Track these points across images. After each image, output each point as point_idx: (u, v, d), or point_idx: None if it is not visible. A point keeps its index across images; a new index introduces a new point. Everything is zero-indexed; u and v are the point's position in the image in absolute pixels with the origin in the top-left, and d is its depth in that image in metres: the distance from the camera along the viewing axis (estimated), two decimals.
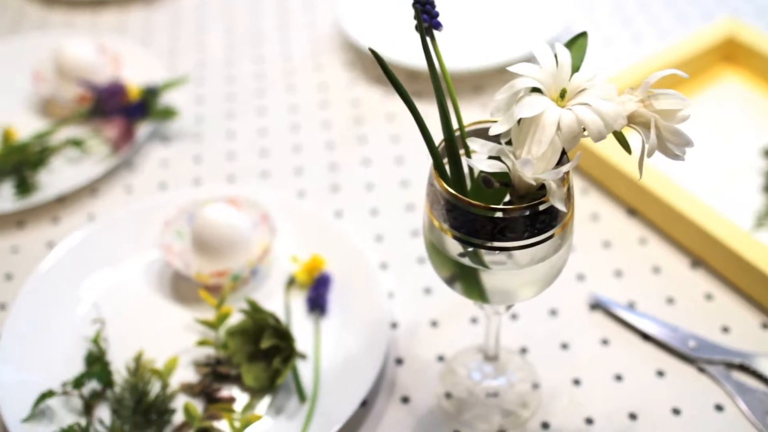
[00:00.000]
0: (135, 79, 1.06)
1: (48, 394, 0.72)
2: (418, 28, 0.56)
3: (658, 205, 0.86)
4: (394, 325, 0.80)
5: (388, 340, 0.76)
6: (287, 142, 1.00)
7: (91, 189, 0.96)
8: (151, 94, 1.00)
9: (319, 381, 0.74)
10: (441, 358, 0.77)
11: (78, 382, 0.73)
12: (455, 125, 0.59)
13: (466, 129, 0.59)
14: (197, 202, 0.86)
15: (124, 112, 0.99)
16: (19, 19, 1.23)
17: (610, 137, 0.55)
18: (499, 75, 1.06)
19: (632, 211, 0.90)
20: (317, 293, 0.81)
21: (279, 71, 1.11)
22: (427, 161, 0.96)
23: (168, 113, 1.00)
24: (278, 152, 0.99)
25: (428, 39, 0.57)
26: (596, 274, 0.84)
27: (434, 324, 0.80)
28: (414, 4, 0.56)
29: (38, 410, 0.72)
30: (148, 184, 0.96)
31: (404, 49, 1.06)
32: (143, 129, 0.99)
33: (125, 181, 0.97)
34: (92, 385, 0.75)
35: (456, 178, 0.58)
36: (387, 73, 0.55)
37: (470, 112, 0.99)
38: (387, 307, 0.78)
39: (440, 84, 0.57)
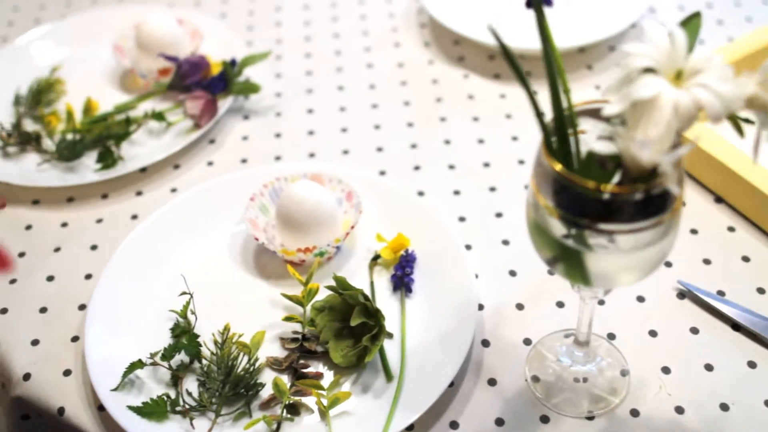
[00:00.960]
0: (213, 53, 1.06)
1: (137, 364, 0.73)
2: (534, 2, 0.55)
3: (746, 192, 0.84)
4: (480, 307, 0.79)
5: (476, 321, 0.75)
6: (367, 120, 1.00)
7: (173, 162, 0.96)
8: (231, 68, 1.00)
9: (406, 361, 0.74)
10: (527, 342, 0.76)
11: (167, 354, 0.74)
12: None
13: (577, 109, 0.58)
14: (282, 178, 0.86)
15: (205, 86, 1.00)
16: None
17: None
18: (586, 54, 1.04)
19: (720, 199, 0.88)
20: (403, 272, 0.80)
21: (357, 48, 1.10)
22: (508, 143, 0.95)
23: (250, 88, 1.00)
24: (358, 130, 0.99)
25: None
26: (684, 262, 0.82)
27: (520, 307, 0.79)
28: None
29: (127, 380, 0.73)
30: (229, 159, 0.96)
31: (482, 27, 1.05)
32: (223, 103, 0.99)
33: (207, 155, 0.97)
34: (180, 357, 0.75)
35: (564, 157, 0.57)
36: (505, 51, 0.54)
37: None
38: (474, 287, 0.77)
39: (552, 60, 0.56)
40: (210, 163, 0.96)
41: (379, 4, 1.17)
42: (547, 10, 0.57)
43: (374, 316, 0.73)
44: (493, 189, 0.91)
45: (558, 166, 0.55)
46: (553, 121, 0.57)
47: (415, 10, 1.16)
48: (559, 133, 0.57)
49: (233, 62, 1.01)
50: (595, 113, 0.56)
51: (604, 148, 0.53)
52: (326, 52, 1.10)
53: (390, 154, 0.95)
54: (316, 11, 1.17)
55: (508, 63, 0.54)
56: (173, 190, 0.93)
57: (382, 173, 0.93)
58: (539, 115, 0.56)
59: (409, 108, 1.01)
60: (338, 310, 0.75)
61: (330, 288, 0.75)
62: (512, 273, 0.82)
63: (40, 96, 1.04)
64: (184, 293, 0.79)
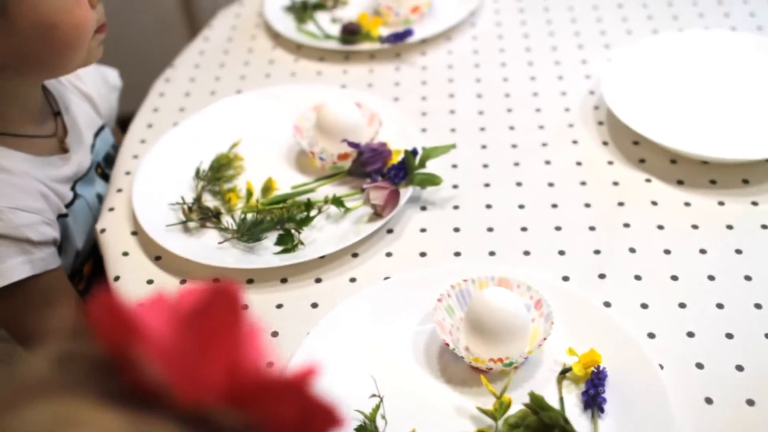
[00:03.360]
0: (388, 138, 1.06)
1: None
2: None
3: None
4: None
5: None
6: (547, 220, 0.98)
7: (351, 250, 0.96)
8: (413, 157, 1.00)
9: None
10: None
11: None
12: None
13: None
14: (470, 280, 0.85)
15: (385, 174, 0.99)
16: (268, 68, 1.26)
17: None
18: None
19: None
20: (596, 391, 0.77)
21: (533, 142, 1.09)
22: (696, 256, 0.92)
23: (431, 180, 1.00)
24: (538, 230, 0.97)
25: None
26: None
27: None
28: None
29: None
30: (407, 251, 0.95)
31: (666, 128, 1.02)
32: (403, 193, 0.99)
33: (385, 245, 0.96)
34: None
35: None
36: None
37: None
38: (673, 417, 0.74)
39: None
40: (389, 254, 0.95)
41: (554, 96, 1.16)
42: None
43: None
44: (682, 305, 0.87)
45: None
46: None
47: (591, 105, 1.14)
48: None
49: (414, 152, 1.00)
50: None
51: None
52: (502, 145, 1.09)
53: (573, 258, 0.93)
54: (490, 100, 1.16)
55: None
56: (352, 280, 0.93)
57: (566, 279, 0.91)
58: None
59: (590, 210, 0.99)
60: (534, 429, 0.73)
61: (527, 405, 0.73)
62: (708, 400, 0.79)
63: (220, 171, 1.05)
64: (374, 395, 0.78)
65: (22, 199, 0.93)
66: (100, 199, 1.08)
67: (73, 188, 1.02)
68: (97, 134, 1.11)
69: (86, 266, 1.08)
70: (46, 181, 0.97)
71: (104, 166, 1.12)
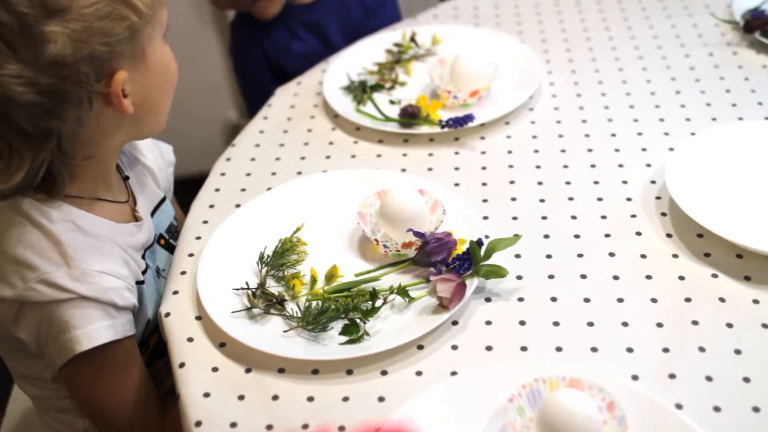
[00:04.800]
0: (452, 226, 1.06)
1: None
2: None
3: None
4: None
5: None
6: (613, 316, 0.97)
7: (417, 342, 0.95)
8: (478, 248, 1.00)
9: None
10: None
11: None
12: None
13: None
14: (540, 380, 0.84)
15: (450, 265, 1.00)
16: (328, 149, 1.27)
17: None
18: None
19: None
20: None
21: (596, 233, 1.09)
22: None
23: (497, 272, 0.99)
24: (605, 325, 0.96)
25: None
26: None
27: None
28: None
29: None
30: (473, 344, 0.95)
31: (731, 221, 1.02)
32: (468, 284, 0.98)
33: (450, 337, 0.96)
34: None
35: None
36: None
37: None
38: None
39: None
40: (454, 347, 0.95)
41: (615, 184, 1.16)
42: None
43: None
44: (756, 409, 0.86)
45: None
46: None
47: (653, 195, 1.14)
48: None
49: (480, 242, 1.00)
50: None
51: None
52: (565, 235, 1.09)
53: (641, 356, 0.92)
54: (551, 188, 1.16)
55: None
56: (418, 373, 0.92)
57: (635, 378, 0.90)
58: None
59: (656, 306, 0.98)
60: None
61: None
62: None
63: (284, 256, 1.06)
64: None
65: (108, 263, 0.95)
66: (158, 272, 1.09)
67: (143, 257, 1.04)
68: (158, 206, 1.12)
69: (153, 337, 1.09)
70: (125, 248, 1.00)
71: (168, 237, 1.13)
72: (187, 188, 1.40)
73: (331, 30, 1.73)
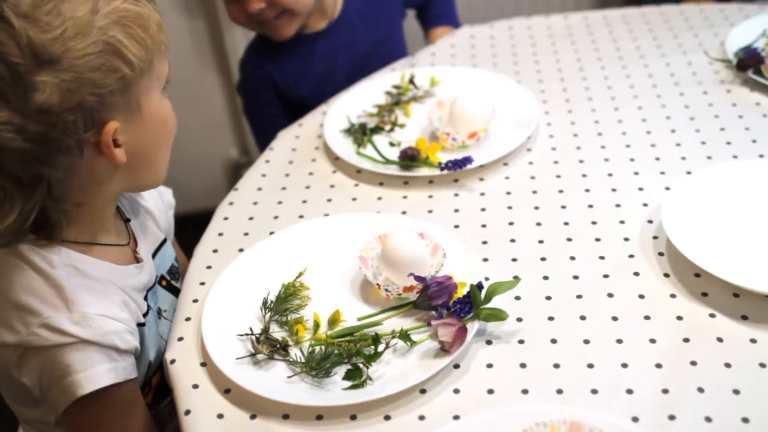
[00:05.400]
0: (453, 269, 1.07)
1: None
2: None
3: None
4: None
5: None
6: (613, 357, 0.98)
7: (419, 386, 0.96)
8: (478, 292, 1.01)
9: None
10: None
11: None
12: None
13: None
14: (542, 423, 0.85)
15: (451, 308, 1.01)
16: (329, 192, 1.29)
17: None
18: None
19: None
20: None
21: (595, 274, 1.10)
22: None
23: (497, 315, 1.01)
24: (605, 367, 0.97)
25: None
26: None
27: None
28: None
29: None
30: (475, 387, 0.96)
31: (727, 261, 1.04)
32: (469, 328, 1.00)
33: (452, 380, 0.97)
34: None
35: None
36: None
37: None
38: None
39: None
40: (456, 390, 0.96)
41: (612, 225, 1.18)
42: None
43: None
44: None
45: None
46: None
47: (650, 234, 1.15)
48: None
49: (480, 286, 1.02)
50: None
51: None
52: (564, 276, 1.10)
53: (641, 398, 0.93)
54: (550, 229, 1.18)
55: None
56: (421, 418, 0.94)
57: (635, 419, 0.91)
58: None
59: (655, 347, 0.99)
60: None
61: None
62: None
63: (287, 301, 1.07)
64: None
65: (109, 307, 0.97)
66: (160, 312, 1.11)
67: (145, 298, 1.05)
68: (159, 247, 1.14)
69: (155, 378, 1.10)
70: (126, 290, 1.01)
71: (169, 278, 1.15)
72: (190, 226, 1.42)
73: (340, 58, 1.74)
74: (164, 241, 1.16)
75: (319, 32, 1.72)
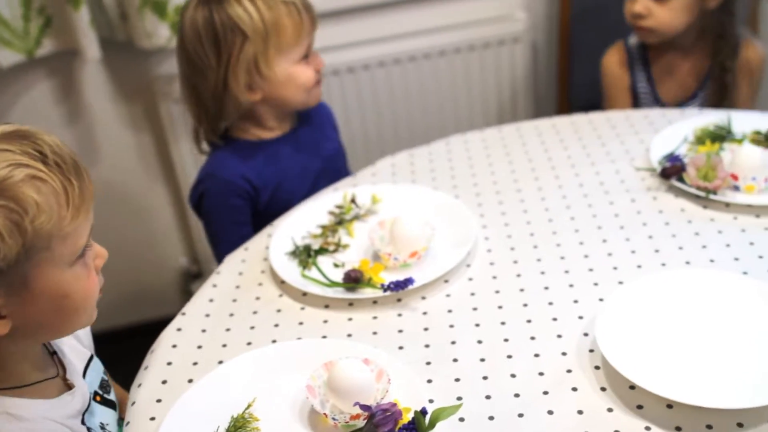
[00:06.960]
0: (398, 394, 1.10)
1: None
2: None
3: None
4: None
5: None
6: None
7: None
8: (423, 418, 1.04)
9: None
10: None
11: None
12: None
13: None
14: None
15: None
16: (276, 317, 1.32)
17: None
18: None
19: None
20: None
21: (535, 391, 1.14)
22: None
23: None
24: None
25: None
26: None
27: None
28: None
29: None
30: None
31: (660, 372, 1.08)
32: None
33: None
34: None
35: None
36: None
37: None
38: None
39: None
40: None
41: (550, 339, 1.22)
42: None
43: None
44: None
45: None
46: None
47: (586, 348, 1.20)
48: None
49: (424, 412, 1.05)
50: None
51: None
52: (506, 395, 1.14)
53: None
54: (491, 346, 1.22)
55: None
56: None
57: None
58: None
59: None
60: None
61: None
62: None
63: None
64: None
65: None
66: (103, 427, 1.12)
67: (83, 421, 1.07)
68: (88, 364, 1.17)
69: None
70: (62, 421, 1.03)
71: (102, 393, 1.17)
72: (140, 336, 1.44)
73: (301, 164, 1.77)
74: (91, 357, 1.19)
75: (285, 134, 1.76)
